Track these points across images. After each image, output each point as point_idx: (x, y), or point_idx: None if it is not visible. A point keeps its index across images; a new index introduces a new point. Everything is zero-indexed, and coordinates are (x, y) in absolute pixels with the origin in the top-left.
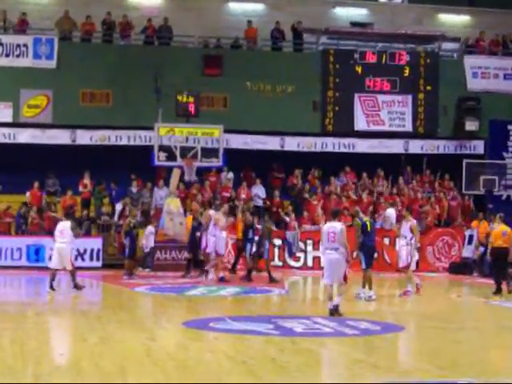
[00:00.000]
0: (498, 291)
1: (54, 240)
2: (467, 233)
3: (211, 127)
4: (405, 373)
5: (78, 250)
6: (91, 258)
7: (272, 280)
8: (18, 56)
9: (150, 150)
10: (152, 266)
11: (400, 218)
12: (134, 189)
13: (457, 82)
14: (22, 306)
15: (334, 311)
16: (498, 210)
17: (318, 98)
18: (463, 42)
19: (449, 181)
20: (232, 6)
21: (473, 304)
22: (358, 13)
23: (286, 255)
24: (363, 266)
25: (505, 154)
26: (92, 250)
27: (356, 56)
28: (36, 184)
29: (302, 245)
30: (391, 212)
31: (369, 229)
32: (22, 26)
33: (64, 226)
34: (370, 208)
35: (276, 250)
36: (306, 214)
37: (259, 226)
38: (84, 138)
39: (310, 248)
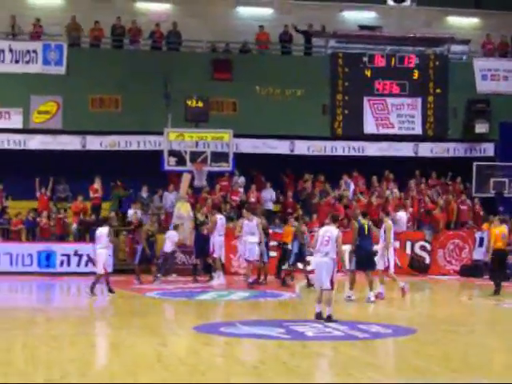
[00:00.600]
0: (497, 292)
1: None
2: (478, 235)
3: (221, 132)
4: (417, 375)
5: (88, 256)
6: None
7: (284, 283)
8: (27, 62)
9: (160, 154)
10: (163, 271)
11: (379, 221)
12: (144, 194)
13: (466, 84)
14: (33, 311)
15: (327, 319)
16: (508, 213)
17: (327, 102)
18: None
19: (459, 184)
20: (240, 10)
21: (484, 306)
22: (367, 16)
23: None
24: (352, 266)
25: None
26: None
27: (365, 59)
28: (43, 190)
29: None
30: (401, 215)
31: (366, 232)
32: (36, 33)
33: (101, 232)
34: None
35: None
36: (315, 217)
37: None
38: (94, 143)
39: None
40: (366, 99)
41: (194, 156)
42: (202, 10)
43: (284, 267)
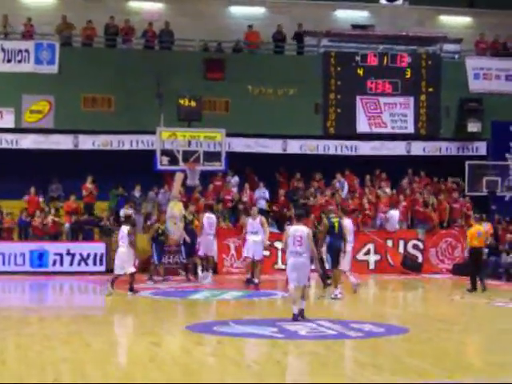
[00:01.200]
0: (473, 289)
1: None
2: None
3: (213, 131)
4: (409, 374)
5: (81, 255)
6: (94, 263)
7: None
8: (19, 61)
9: (153, 154)
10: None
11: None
12: (137, 193)
13: (459, 83)
14: (25, 311)
15: (299, 315)
16: (500, 211)
17: (319, 101)
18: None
19: (452, 183)
20: (233, 9)
21: (476, 305)
22: (359, 15)
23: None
24: (329, 266)
25: (507, 155)
26: (95, 255)
27: (357, 58)
28: (32, 189)
29: None
30: (393, 214)
31: (336, 230)
32: (28, 32)
33: (123, 231)
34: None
35: (279, 253)
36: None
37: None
38: (86, 142)
39: None
40: (358, 98)
41: (187, 155)
42: (195, 9)
43: None
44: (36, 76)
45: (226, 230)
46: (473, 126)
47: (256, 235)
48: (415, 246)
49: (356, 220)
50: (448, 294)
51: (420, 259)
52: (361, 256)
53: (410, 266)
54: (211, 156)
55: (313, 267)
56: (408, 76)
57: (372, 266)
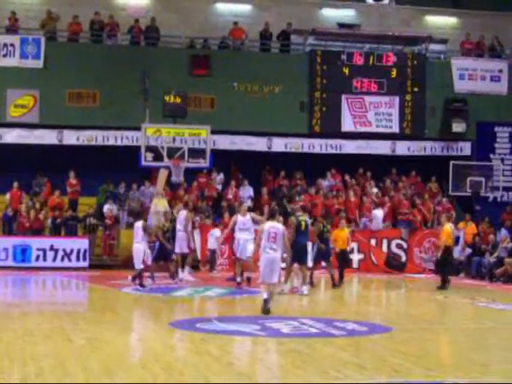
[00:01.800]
0: (444, 286)
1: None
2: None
3: (198, 128)
4: (392, 373)
5: (64, 251)
6: (78, 259)
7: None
8: (4, 56)
9: (137, 150)
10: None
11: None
12: (121, 189)
13: (444, 83)
14: (8, 306)
15: (267, 308)
16: (484, 212)
17: (305, 99)
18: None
19: (435, 182)
20: (219, 6)
21: (459, 305)
22: (346, 14)
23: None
24: (287, 262)
25: (491, 156)
26: (79, 251)
27: (343, 57)
28: (16, 184)
29: None
30: (377, 213)
31: (303, 228)
32: (13, 26)
33: (137, 226)
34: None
35: None
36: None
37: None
38: (71, 138)
39: None
40: (343, 97)
41: (172, 152)
42: (181, 6)
43: None
44: (21, 70)
45: (210, 227)
46: (457, 127)
47: (246, 233)
48: (399, 246)
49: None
50: (431, 294)
51: (403, 259)
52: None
53: (394, 265)
54: (196, 153)
55: (283, 265)
56: (393, 75)
57: (356, 265)
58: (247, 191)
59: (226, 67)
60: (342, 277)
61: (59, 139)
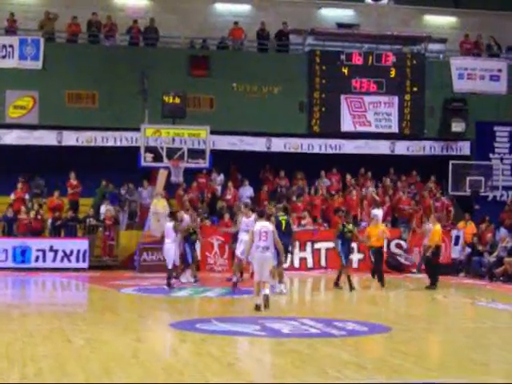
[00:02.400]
0: (433, 286)
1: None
2: (454, 234)
3: (198, 128)
4: (392, 373)
5: (64, 251)
6: (77, 260)
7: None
8: (3, 57)
9: (137, 151)
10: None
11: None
12: (122, 190)
13: (443, 83)
14: (7, 307)
15: (263, 306)
16: (483, 211)
17: (304, 99)
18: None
19: (435, 182)
20: (218, 6)
21: (459, 305)
22: (345, 14)
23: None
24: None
25: (491, 155)
26: (78, 252)
27: (342, 57)
28: (20, 185)
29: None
30: (376, 213)
31: (283, 228)
32: (12, 27)
33: (169, 227)
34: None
35: None
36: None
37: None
38: (70, 139)
39: (296, 249)
40: (343, 97)
41: (171, 152)
42: (180, 6)
43: None
44: (20, 71)
45: (209, 228)
46: (457, 126)
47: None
48: (398, 246)
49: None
50: (431, 293)
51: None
52: None
53: (394, 265)
54: (195, 153)
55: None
56: (392, 75)
57: (355, 265)
58: (247, 191)
59: (225, 67)
60: (380, 276)
61: (58, 140)
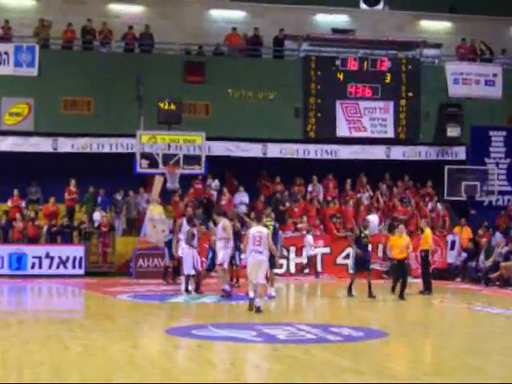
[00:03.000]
0: (427, 291)
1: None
2: (449, 238)
3: (193, 134)
4: (390, 378)
5: (60, 258)
6: (73, 266)
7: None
8: None
9: (133, 157)
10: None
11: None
12: (118, 196)
13: (438, 88)
14: (4, 314)
15: (256, 309)
16: (479, 216)
17: (299, 105)
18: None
19: (431, 187)
20: (213, 12)
21: (456, 309)
22: (340, 19)
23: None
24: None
25: (486, 160)
26: (74, 258)
27: (337, 63)
28: (16, 192)
29: (284, 251)
30: (372, 218)
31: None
32: (7, 34)
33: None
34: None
35: None
36: (289, 220)
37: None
38: (66, 145)
39: (292, 255)
40: (338, 102)
41: (167, 159)
42: (175, 12)
43: None
44: (15, 78)
45: (204, 234)
46: (452, 131)
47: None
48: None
49: (335, 225)
50: (427, 298)
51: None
52: (340, 260)
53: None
54: (191, 159)
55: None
56: (388, 81)
57: (351, 270)
58: (242, 197)
59: (221, 73)
60: (402, 288)
61: (54, 147)
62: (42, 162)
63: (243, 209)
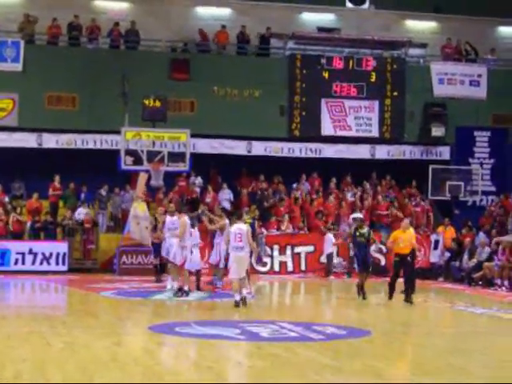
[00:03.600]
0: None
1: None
2: (433, 238)
3: (178, 131)
4: (371, 377)
5: (43, 254)
6: (57, 263)
7: None
8: None
9: (117, 154)
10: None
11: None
12: (103, 192)
13: (423, 88)
14: None
15: (242, 302)
16: (463, 216)
17: (284, 103)
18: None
19: (415, 187)
20: (199, 10)
21: (439, 309)
22: (325, 18)
23: (253, 260)
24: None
25: (470, 160)
26: (58, 254)
27: (323, 61)
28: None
29: (268, 250)
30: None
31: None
32: None
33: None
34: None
35: None
36: (273, 218)
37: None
38: (50, 141)
39: (276, 253)
40: (323, 101)
41: (151, 156)
42: (161, 9)
43: None
44: (0, 74)
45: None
46: (437, 131)
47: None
48: (379, 250)
49: (321, 221)
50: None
51: (383, 262)
52: (324, 259)
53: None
54: (176, 156)
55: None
56: (373, 80)
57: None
58: (226, 194)
59: (206, 71)
60: (407, 292)
61: (38, 143)
62: (26, 158)
63: (227, 206)
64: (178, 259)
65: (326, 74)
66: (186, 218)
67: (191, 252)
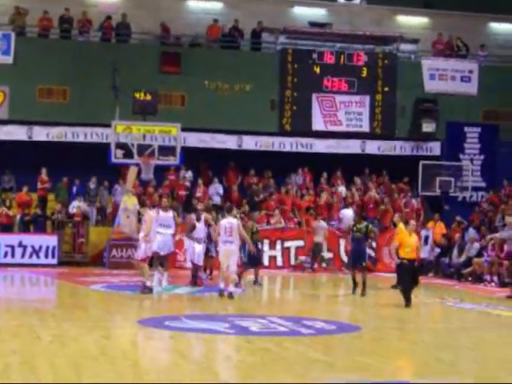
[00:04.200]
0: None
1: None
2: (423, 233)
3: (169, 125)
4: (361, 372)
5: (33, 247)
6: (46, 256)
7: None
8: None
9: (107, 147)
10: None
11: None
12: (92, 185)
13: (414, 83)
14: None
15: (228, 296)
16: (453, 212)
17: (275, 98)
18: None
19: (406, 182)
20: (191, 3)
21: (428, 304)
22: (317, 13)
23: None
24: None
25: (461, 156)
26: (47, 248)
27: (314, 56)
28: None
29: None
30: (346, 213)
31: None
32: None
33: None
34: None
35: None
36: (262, 212)
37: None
38: (40, 134)
39: (266, 247)
40: (314, 96)
41: (142, 149)
42: (152, 3)
43: None
44: None
45: (182, 225)
46: (427, 126)
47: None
48: (369, 245)
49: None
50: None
51: (373, 258)
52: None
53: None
54: (166, 150)
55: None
56: (364, 75)
57: (324, 264)
58: (217, 189)
59: (197, 65)
60: (407, 298)
61: (29, 135)
62: (16, 151)
63: (217, 200)
64: (141, 255)
65: (317, 69)
66: (151, 213)
67: (195, 247)
